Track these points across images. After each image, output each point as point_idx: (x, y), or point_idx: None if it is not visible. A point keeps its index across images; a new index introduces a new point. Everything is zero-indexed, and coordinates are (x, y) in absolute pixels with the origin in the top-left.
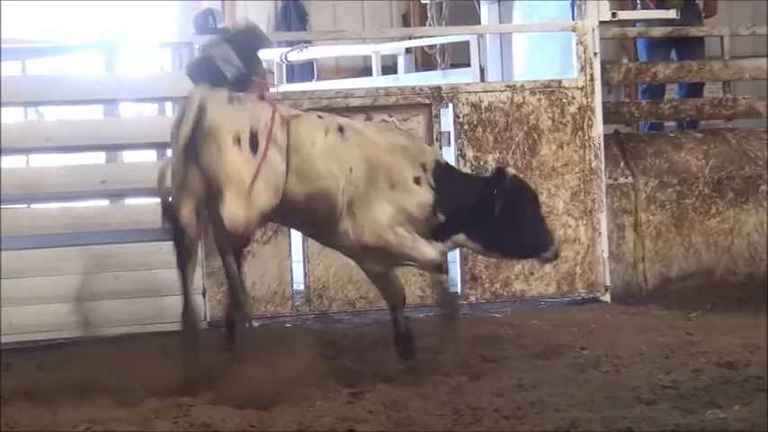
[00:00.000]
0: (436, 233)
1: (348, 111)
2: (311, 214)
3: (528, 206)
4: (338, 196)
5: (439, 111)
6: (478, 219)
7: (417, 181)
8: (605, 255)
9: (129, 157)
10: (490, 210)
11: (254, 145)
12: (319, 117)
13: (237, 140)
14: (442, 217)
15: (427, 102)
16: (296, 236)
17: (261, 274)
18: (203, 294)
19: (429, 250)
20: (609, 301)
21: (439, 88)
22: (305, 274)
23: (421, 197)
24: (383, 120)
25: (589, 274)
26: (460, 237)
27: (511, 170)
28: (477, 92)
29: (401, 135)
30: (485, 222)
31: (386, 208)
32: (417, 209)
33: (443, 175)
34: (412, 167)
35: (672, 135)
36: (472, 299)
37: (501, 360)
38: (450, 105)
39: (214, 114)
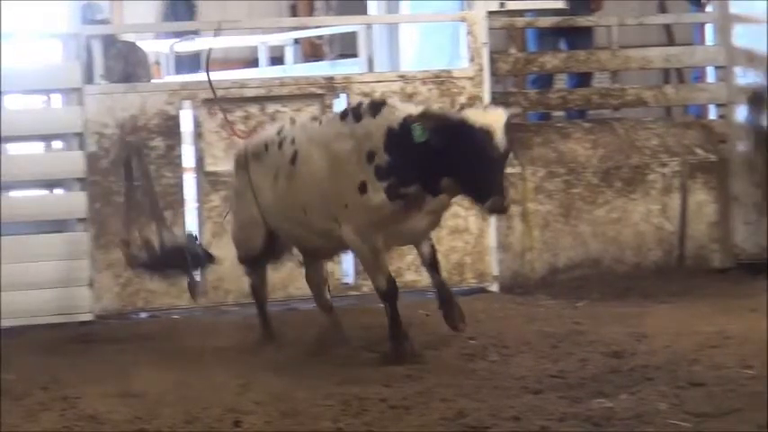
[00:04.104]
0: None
1: (243, 101)
2: None
3: (461, 145)
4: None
5: (332, 101)
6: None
7: (363, 187)
8: (494, 245)
9: (14, 149)
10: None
11: None
12: (279, 146)
13: None
14: (412, 188)
15: (321, 92)
16: (193, 228)
17: None
18: (90, 286)
19: (381, 278)
20: (497, 291)
21: (332, 78)
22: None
23: (371, 203)
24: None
25: (478, 263)
26: (446, 182)
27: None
28: (370, 82)
29: (344, 137)
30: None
31: (349, 225)
32: (377, 215)
33: (397, 143)
34: (357, 170)
35: (560, 125)
36: (365, 289)
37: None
38: (343, 95)
39: None
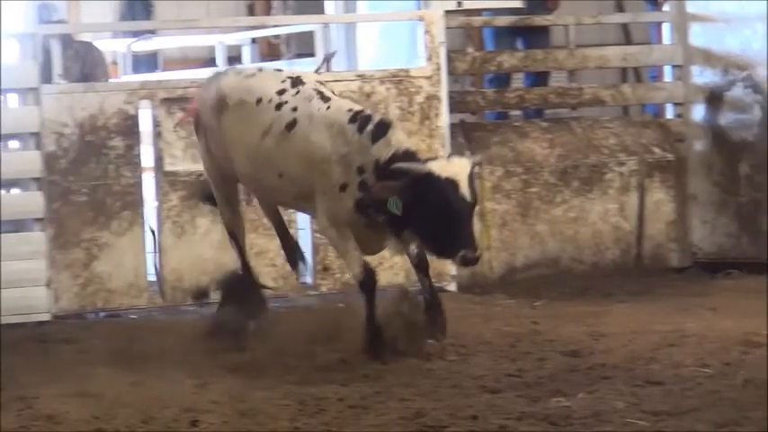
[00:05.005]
0: (393, 228)
1: None
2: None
3: (427, 199)
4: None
5: None
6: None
7: (343, 188)
8: None
9: None
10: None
11: None
12: (278, 107)
13: None
14: (380, 217)
15: None
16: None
17: (117, 265)
18: (48, 286)
19: (355, 265)
20: (455, 291)
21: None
22: (160, 265)
23: (345, 204)
24: None
25: (436, 263)
26: (407, 233)
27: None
28: (328, 81)
29: (345, 139)
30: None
31: (323, 209)
32: (345, 214)
33: (380, 175)
34: (344, 173)
35: (517, 124)
36: (324, 289)
37: (345, 350)
38: None
39: None
